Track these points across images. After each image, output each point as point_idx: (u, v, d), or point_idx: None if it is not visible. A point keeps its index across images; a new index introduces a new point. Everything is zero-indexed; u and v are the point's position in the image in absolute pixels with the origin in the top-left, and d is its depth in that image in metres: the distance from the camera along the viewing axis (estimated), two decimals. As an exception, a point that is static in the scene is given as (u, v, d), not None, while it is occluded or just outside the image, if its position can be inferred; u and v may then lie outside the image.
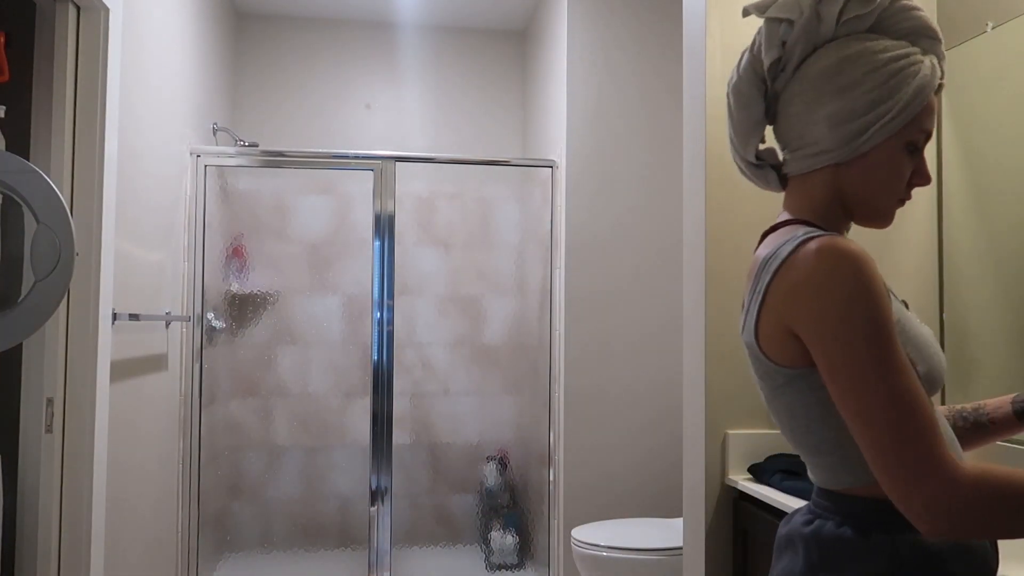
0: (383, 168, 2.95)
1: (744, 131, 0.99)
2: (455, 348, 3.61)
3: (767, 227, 1.03)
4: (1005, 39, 1.64)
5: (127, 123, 2.07)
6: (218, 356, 3.26)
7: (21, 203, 1.47)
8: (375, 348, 2.93)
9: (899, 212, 1.01)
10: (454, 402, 3.60)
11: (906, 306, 0.94)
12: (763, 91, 0.97)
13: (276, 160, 3.07)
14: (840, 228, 0.95)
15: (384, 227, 2.95)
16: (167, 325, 2.52)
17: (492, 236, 3.69)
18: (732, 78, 0.99)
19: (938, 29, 0.92)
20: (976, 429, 1.08)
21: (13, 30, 1.83)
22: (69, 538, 1.76)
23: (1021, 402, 1.03)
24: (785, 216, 0.97)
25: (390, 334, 2.94)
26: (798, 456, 1.67)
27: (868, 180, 0.91)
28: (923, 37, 0.91)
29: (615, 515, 2.90)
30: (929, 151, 1.83)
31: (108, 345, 1.87)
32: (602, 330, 2.94)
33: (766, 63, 0.95)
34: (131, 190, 2.12)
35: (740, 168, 1.03)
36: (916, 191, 1.49)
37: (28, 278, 1.47)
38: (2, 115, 1.73)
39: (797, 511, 0.99)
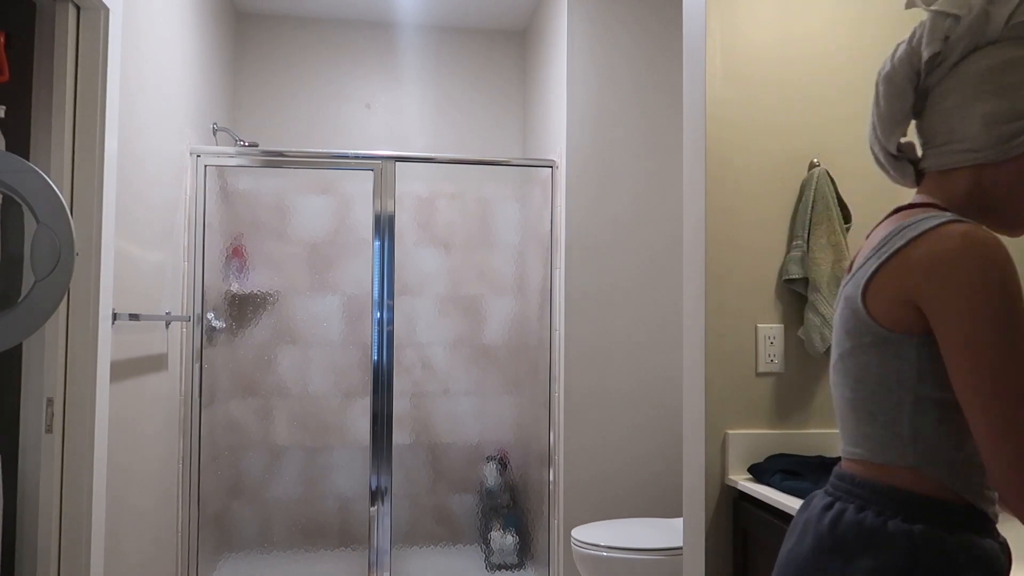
0: (383, 168, 2.95)
1: (891, 122, 0.98)
2: (455, 348, 3.61)
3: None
4: (1005, 39, 1.65)
5: (127, 123, 2.07)
6: (218, 356, 3.26)
7: (21, 203, 1.47)
8: (375, 348, 2.93)
9: None
10: (454, 402, 3.60)
11: None
12: (915, 84, 0.96)
13: (276, 160, 3.07)
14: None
15: (384, 227, 2.95)
16: (167, 325, 2.52)
17: (492, 236, 3.69)
18: (885, 68, 0.98)
19: None
20: None
21: (13, 30, 1.83)
22: (69, 538, 1.76)
23: None
24: (921, 199, 0.96)
25: (390, 334, 2.94)
26: (798, 456, 1.67)
27: (1015, 184, 0.90)
28: None
29: (615, 515, 2.90)
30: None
31: (108, 345, 1.87)
32: (602, 330, 2.94)
33: (925, 55, 0.93)
34: (131, 190, 2.12)
35: (877, 158, 1.03)
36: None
37: (28, 278, 1.47)
38: (2, 115, 1.73)
39: (815, 495, 0.99)
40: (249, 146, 3.24)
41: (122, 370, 2.07)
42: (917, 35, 0.95)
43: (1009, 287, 0.80)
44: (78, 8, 1.80)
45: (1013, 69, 0.89)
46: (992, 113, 0.89)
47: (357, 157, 2.99)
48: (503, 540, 3.33)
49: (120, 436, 2.06)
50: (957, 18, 0.92)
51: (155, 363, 2.40)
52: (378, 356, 2.93)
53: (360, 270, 3.49)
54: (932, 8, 0.94)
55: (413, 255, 3.60)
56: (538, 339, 3.29)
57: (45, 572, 1.71)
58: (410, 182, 3.59)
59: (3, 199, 1.55)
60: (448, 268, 3.63)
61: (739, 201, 1.74)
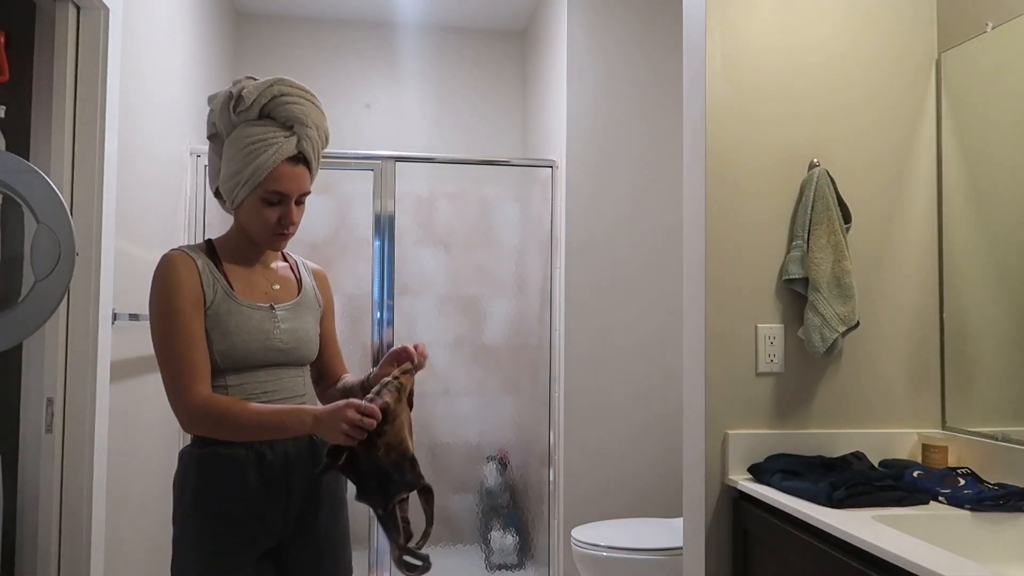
0: (383, 168, 2.95)
1: (211, 174, 1.43)
2: (455, 348, 3.61)
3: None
4: (1005, 39, 1.65)
5: (127, 123, 2.07)
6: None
7: (21, 203, 1.47)
8: (375, 348, 2.93)
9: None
10: (454, 402, 3.60)
11: (276, 306, 1.42)
12: (219, 151, 1.39)
13: (276, 160, 3.06)
14: (245, 248, 1.42)
15: (384, 227, 2.95)
16: (167, 325, 2.52)
17: (492, 236, 3.69)
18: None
19: (306, 118, 1.35)
20: (344, 395, 1.51)
21: (13, 30, 1.83)
22: (69, 538, 1.76)
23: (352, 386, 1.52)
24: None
25: (390, 334, 2.94)
26: (798, 456, 1.67)
27: (245, 221, 1.38)
28: (296, 123, 1.33)
29: (615, 515, 2.90)
30: (928, 151, 1.83)
31: (108, 345, 1.87)
32: (602, 330, 2.94)
33: (207, 134, 1.42)
34: (131, 190, 2.12)
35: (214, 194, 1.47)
36: (916, 193, 1.55)
37: (28, 278, 1.47)
38: (2, 115, 1.73)
39: None
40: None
41: (122, 370, 2.07)
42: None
43: (165, 293, 1.30)
44: (78, 8, 1.80)
45: (232, 145, 1.33)
46: (223, 176, 1.37)
47: (357, 157, 2.99)
48: (503, 540, 3.33)
49: (120, 436, 2.06)
50: (214, 111, 1.37)
51: (155, 363, 2.40)
52: (378, 356, 2.93)
53: (360, 270, 3.48)
54: (209, 103, 1.42)
55: (413, 255, 3.60)
56: (538, 339, 3.29)
57: (45, 572, 1.71)
58: (410, 182, 3.58)
59: (3, 199, 1.55)
60: (448, 268, 3.63)
61: (739, 201, 1.74)
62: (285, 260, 1.53)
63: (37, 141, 1.77)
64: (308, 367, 1.50)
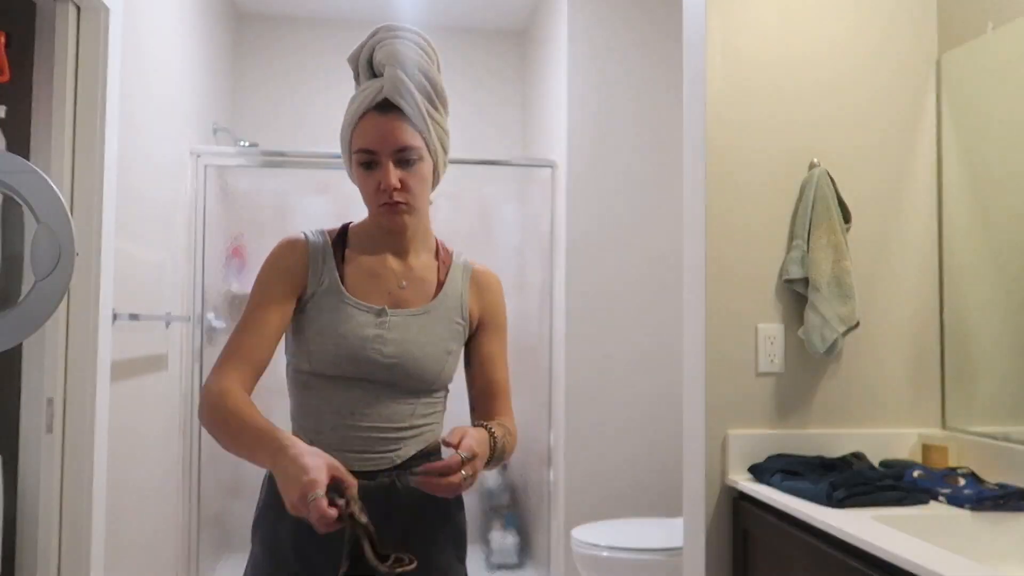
0: (383, 168, 2.94)
1: None
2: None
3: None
4: (1005, 39, 1.65)
5: (127, 123, 2.07)
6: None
7: (21, 203, 1.47)
8: (375, 348, 2.93)
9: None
10: (454, 402, 3.59)
11: (394, 308, 1.17)
12: None
13: (276, 160, 3.07)
14: (373, 233, 1.21)
15: (384, 227, 2.95)
16: (167, 325, 2.52)
17: (492, 236, 3.69)
18: None
19: (389, 57, 1.12)
20: None
21: (13, 30, 1.83)
22: (69, 538, 1.76)
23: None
24: None
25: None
26: (798, 456, 1.67)
27: (361, 195, 1.17)
28: (381, 67, 1.11)
29: (615, 515, 2.90)
30: (928, 151, 1.83)
31: (108, 345, 1.87)
32: (602, 330, 2.94)
33: None
34: (131, 190, 2.12)
35: None
36: (917, 193, 1.55)
37: (28, 278, 1.47)
38: (2, 115, 1.73)
39: None
40: (249, 146, 3.23)
41: (122, 370, 2.07)
42: None
43: (264, 270, 1.15)
44: (78, 8, 1.80)
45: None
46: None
47: (357, 157, 2.99)
48: (503, 540, 3.33)
49: (120, 436, 2.06)
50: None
51: (155, 363, 2.40)
52: (378, 356, 2.93)
53: (360, 270, 3.48)
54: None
55: (413, 255, 3.59)
56: (538, 339, 3.29)
57: (45, 572, 1.71)
58: (410, 182, 3.58)
59: (3, 199, 1.55)
60: (448, 268, 3.62)
61: (739, 201, 1.74)
62: (437, 256, 1.26)
63: (37, 141, 1.77)
64: (438, 397, 1.26)
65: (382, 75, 1.10)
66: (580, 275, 2.93)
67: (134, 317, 2.07)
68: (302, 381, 1.16)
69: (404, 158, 1.10)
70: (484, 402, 1.34)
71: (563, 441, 2.91)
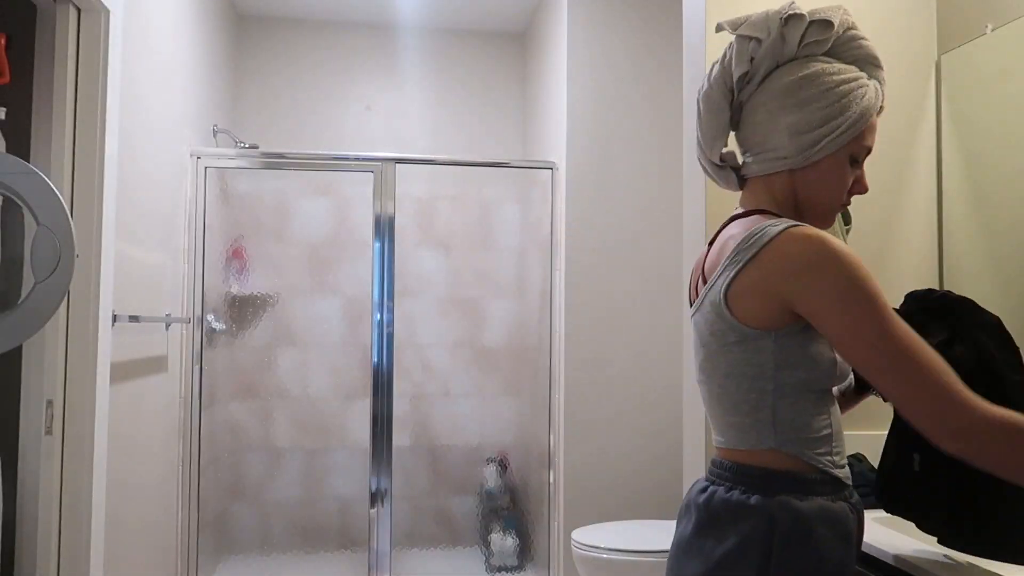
0: (383, 170, 2.95)
1: (711, 135, 1.11)
2: (455, 350, 3.61)
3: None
4: (1004, 41, 1.65)
5: (127, 125, 2.07)
6: (218, 358, 3.26)
7: (21, 204, 1.47)
8: (375, 350, 2.93)
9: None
10: (454, 404, 3.60)
11: None
12: (730, 100, 1.09)
13: (276, 162, 3.07)
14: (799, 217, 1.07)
15: (384, 229, 2.96)
16: (167, 327, 2.52)
17: (492, 238, 3.69)
18: (703, 86, 1.11)
19: (880, 58, 1.06)
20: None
21: (14, 32, 1.83)
22: (69, 540, 1.76)
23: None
24: (748, 207, 1.10)
25: (390, 336, 2.94)
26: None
27: (819, 185, 1.05)
28: (868, 64, 1.05)
29: (615, 517, 2.90)
30: (927, 153, 1.83)
31: (108, 347, 1.87)
32: (602, 331, 2.94)
33: (735, 75, 1.07)
34: (131, 192, 2.12)
35: (704, 168, 1.16)
36: (916, 195, 1.58)
37: (28, 280, 1.47)
38: (3, 117, 1.73)
39: (696, 482, 1.11)
40: (249, 148, 3.24)
41: (122, 372, 2.07)
42: (727, 56, 1.08)
43: (862, 271, 0.92)
44: (79, 10, 1.81)
45: (808, 84, 1.03)
46: (794, 124, 1.03)
47: (357, 159, 3.00)
48: (503, 542, 3.33)
49: (120, 438, 2.05)
50: (759, 41, 1.05)
51: (155, 365, 2.40)
52: (378, 358, 2.93)
53: (360, 272, 3.49)
54: (737, 32, 1.07)
55: (413, 257, 3.60)
56: (538, 341, 3.29)
57: (45, 573, 1.71)
58: (410, 184, 3.59)
59: (3, 201, 1.55)
60: (448, 270, 3.63)
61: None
62: None
63: (37, 143, 1.77)
64: None
65: (873, 76, 1.05)
66: (580, 276, 2.93)
67: (134, 319, 2.07)
68: (812, 402, 1.00)
69: None
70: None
71: (563, 442, 2.90)
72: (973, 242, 1.72)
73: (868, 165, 1.80)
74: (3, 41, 1.75)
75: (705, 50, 1.75)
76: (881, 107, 1.05)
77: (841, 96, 1.02)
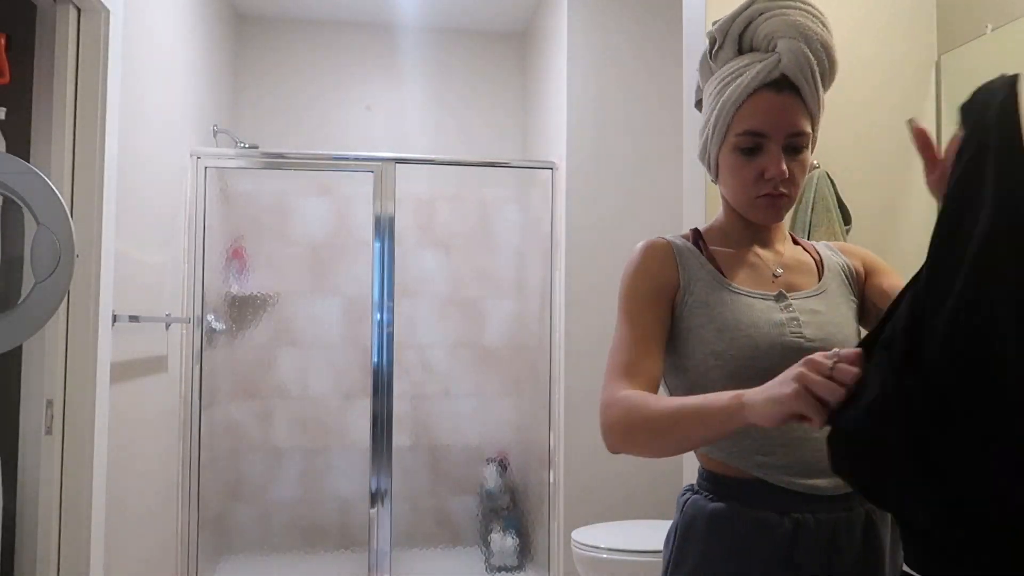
0: (383, 170, 2.95)
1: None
2: (455, 350, 3.61)
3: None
4: (1004, 41, 1.65)
5: (127, 125, 2.07)
6: (218, 358, 3.26)
7: (21, 204, 1.47)
8: (375, 350, 2.93)
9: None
10: (454, 404, 3.60)
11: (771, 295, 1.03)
12: None
13: (276, 162, 3.07)
14: (734, 227, 1.09)
15: (384, 229, 2.96)
16: (167, 327, 2.53)
17: (492, 238, 3.69)
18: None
19: (789, 28, 0.97)
20: None
21: (14, 32, 1.83)
22: (69, 540, 1.76)
23: None
24: None
25: (390, 336, 2.94)
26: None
27: (725, 186, 1.05)
28: (778, 38, 0.97)
29: (615, 517, 2.90)
30: (929, 153, 1.83)
31: (108, 347, 1.87)
32: (602, 331, 2.94)
33: (695, 101, 1.13)
34: (131, 192, 2.12)
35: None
36: (917, 195, 1.58)
37: (28, 279, 1.47)
38: (2, 117, 1.73)
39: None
40: (249, 148, 3.24)
41: (122, 372, 2.07)
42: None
43: (628, 275, 1.04)
44: (79, 10, 1.81)
45: (706, 97, 1.06)
46: (700, 135, 1.07)
47: (357, 159, 3.00)
48: (503, 542, 3.33)
49: (120, 438, 2.06)
50: (698, 71, 1.10)
51: (155, 365, 2.40)
52: (378, 358, 2.93)
53: (360, 272, 3.49)
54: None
55: (413, 257, 3.60)
56: (538, 341, 3.29)
57: (45, 573, 1.71)
58: (410, 184, 3.59)
59: (3, 201, 1.56)
60: (448, 270, 3.63)
61: (739, 203, 1.74)
62: (796, 243, 1.13)
63: (37, 143, 1.77)
64: None
65: (772, 49, 0.97)
66: (580, 275, 2.93)
67: (134, 319, 2.07)
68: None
69: (793, 145, 0.98)
70: None
71: (563, 442, 2.91)
72: (973, 242, 1.72)
73: (868, 164, 1.80)
74: (3, 41, 1.76)
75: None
76: (783, 79, 0.97)
77: (716, 96, 1.01)
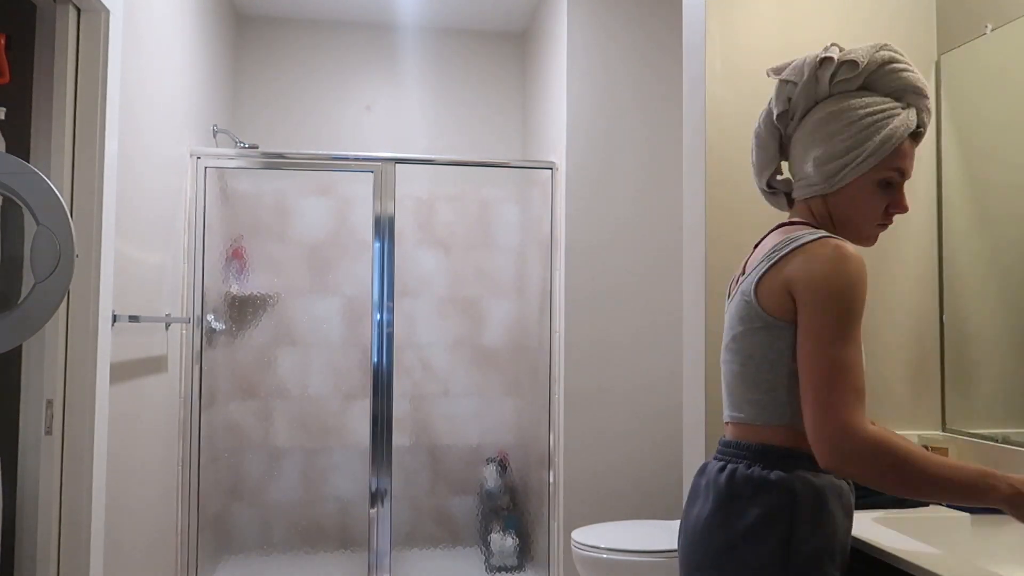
0: (383, 170, 2.95)
1: (760, 165, 1.28)
2: (455, 350, 3.61)
3: (768, 225, 1.28)
4: (1004, 41, 1.65)
5: (127, 125, 2.07)
6: (218, 358, 3.26)
7: (21, 204, 1.47)
8: (375, 350, 2.93)
9: (899, 215, 1.11)
10: (454, 404, 3.60)
11: None
12: (777, 136, 1.25)
13: (276, 162, 3.07)
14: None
15: (384, 229, 2.96)
16: (167, 327, 2.52)
17: (492, 238, 3.69)
18: (757, 124, 1.28)
19: (925, 87, 1.16)
20: None
21: (13, 32, 1.83)
22: (69, 540, 1.76)
23: None
24: (796, 219, 1.23)
25: (390, 336, 2.94)
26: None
27: (848, 208, 1.17)
28: (909, 93, 1.16)
29: (615, 517, 2.90)
30: (927, 153, 1.83)
31: (108, 347, 1.87)
32: (602, 331, 2.94)
33: (775, 114, 1.23)
34: (131, 192, 2.12)
35: (760, 190, 1.32)
36: (916, 195, 1.64)
37: (28, 280, 1.47)
38: (2, 117, 1.73)
39: (707, 464, 1.21)
40: (249, 148, 3.24)
41: (122, 372, 2.07)
42: (771, 99, 1.25)
43: (855, 291, 1.05)
44: (78, 10, 1.81)
45: (833, 120, 1.16)
46: (818, 157, 1.17)
47: (357, 159, 3.00)
48: (503, 542, 3.33)
49: (120, 438, 2.05)
50: (795, 84, 1.20)
51: (155, 365, 2.40)
52: (378, 358, 2.93)
53: (360, 272, 3.49)
54: (778, 77, 1.24)
55: (413, 257, 3.60)
56: (538, 341, 3.29)
57: (45, 573, 1.71)
58: (410, 184, 3.59)
59: (3, 200, 1.55)
60: (448, 270, 3.63)
61: (739, 202, 1.74)
62: None
63: (37, 143, 1.77)
64: None
65: (899, 100, 1.16)
66: (580, 276, 2.93)
67: (134, 319, 2.07)
68: None
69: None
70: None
71: (563, 442, 2.91)
72: (973, 242, 1.72)
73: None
74: (3, 41, 1.76)
75: (705, 50, 1.75)
76: (921, 132, 1.16)
77: (865, 127, 1.14)
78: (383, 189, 2.94)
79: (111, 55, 1.86)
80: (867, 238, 1.19)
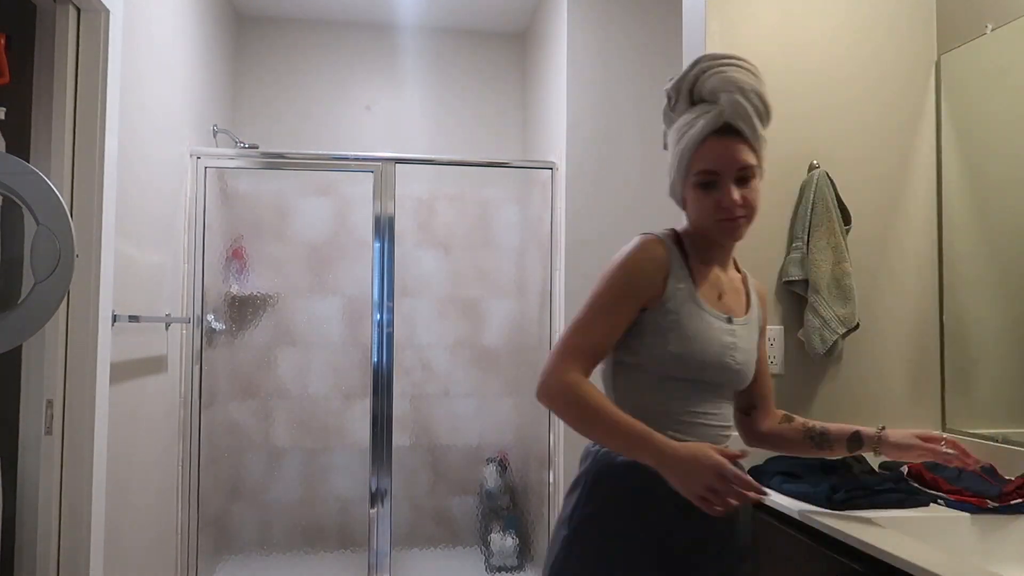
0: (383, 170, 2.95)
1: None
2: (455, 350, 3.61)
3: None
4: (1004, 41, 1.65)
5: (127, 125, 2.07)
6: (218, 358, 3.26)
7: (21, 204, 1.47)
8: (375, 350, 2.93)
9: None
10: (454, 404, 3.60)
11: (730, 318, 1.25)
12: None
13: (276, 162, 3.07)
14: (704, 245, 1.27)
15: (384, 229, 2.95)
16: (167, 327, 2.52)
17: (492, 238, 3.69)
18: None
19: (736, 78, 1.19)
20: (818, 447, 1.38)
21: (13, 32, 1.83)
22: (69, 540, 1.76)
23: (856, 442, 1.34)
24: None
25: (390, 336, 2.94)
26: (798, 458, 1.67)
27: (690, 212, 1.26)
28: (721, 90, 1.20)
29: (615, 517, 2.89)
30: (927, 153, 1.83)
31: (108, 347, 1.87)
32: (602, 332, 2.94)
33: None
34: (131, 192, 2.12)
35: None
36: (916, 195, 1.62)
37: (28, 279, 1.47)
38: (2, 117, 1.73)
39: None
40: (249, 148, 3.24)
41: (122, 372, 2.07)
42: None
43: (621, 270, 1.20)
44: (78, 10, 1.81)
45: (669, 146, 1.29)
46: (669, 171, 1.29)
47: (357, 159, 2.99)
48: (503, 542, 3.33)
49: (120, 438, 2.05)
50: (669, 98, 1.31)
51: (155, 365, 2.40)
52: (378, 358, 2.93)
53: (360, 272, 3.48)
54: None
55: (413, 257, 3.60)
56: (538, 340, 3.29)
57: (45, 573, 1.71)
58: (410, 184, 3.59)
59: (3, 200, 1.56)
60: (448, 270, 3.63)
61: (739, 203, 1.74)
62: (738, 270, 1.37)
63: (37, 143, 1.77)
64: None
65: (715, 101, 1.20)
66: (580, 277, 2.93)
67: (134, 319, 2.07)
68: (647, 382, 1.23)
69: (742, 176, 1.20)
70: (766, 398, 1.41)
71: (563, 442, 2.90)
72: (972, 242, 1.72)
73: (867, 164, 1.80)
74: (3, 41, 1.75)
75: (705, 50, 1.75)
76: (727, 125, 1.19)
77: (675, 144, 1.25)
78: (383, 189, 2.94)
79: (111, 55, 1.86)
80: (718, 233, 1.23)
